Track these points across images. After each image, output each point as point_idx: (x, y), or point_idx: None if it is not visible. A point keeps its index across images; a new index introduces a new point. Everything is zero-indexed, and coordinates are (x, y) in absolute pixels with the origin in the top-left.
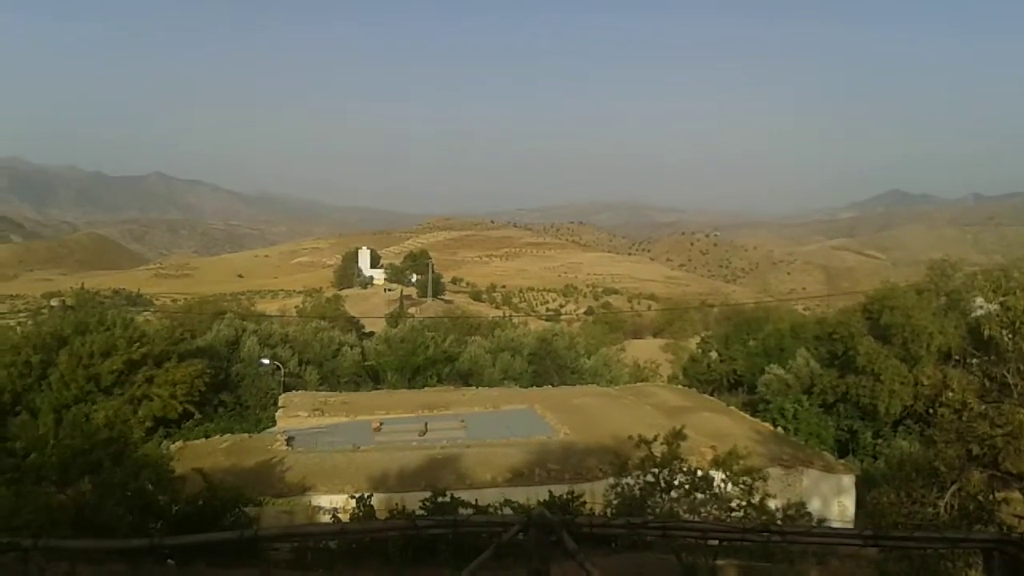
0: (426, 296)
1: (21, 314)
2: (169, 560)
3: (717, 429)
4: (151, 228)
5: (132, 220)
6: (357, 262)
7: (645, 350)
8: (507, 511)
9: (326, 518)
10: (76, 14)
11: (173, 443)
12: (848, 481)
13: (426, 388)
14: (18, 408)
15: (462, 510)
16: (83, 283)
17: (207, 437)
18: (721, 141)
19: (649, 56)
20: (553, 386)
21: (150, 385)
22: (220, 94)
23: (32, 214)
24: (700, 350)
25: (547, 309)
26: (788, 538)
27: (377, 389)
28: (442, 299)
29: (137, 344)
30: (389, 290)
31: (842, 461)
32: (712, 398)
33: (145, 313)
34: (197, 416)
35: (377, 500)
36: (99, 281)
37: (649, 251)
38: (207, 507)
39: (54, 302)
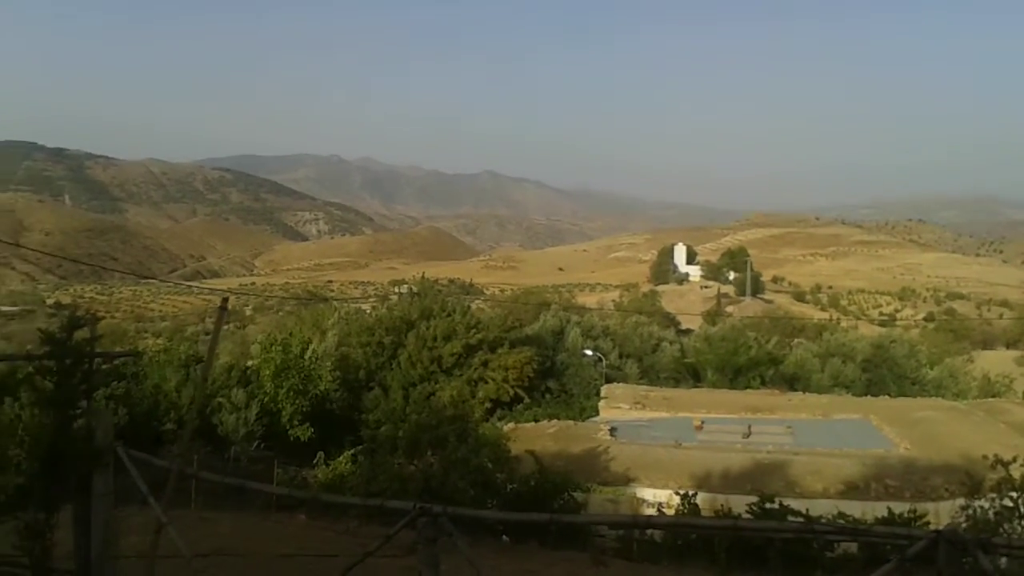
0: (744, 295)
1: (371, 299)
2: (504, 536)
3: None
4: (482, 223)
5: (466, 215)
6: (673, 258)
7: (996, 362)
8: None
9: (650, 511)
10: (395, 24)
11: (505, 425)
12: None
13: (748, 390)
14: (371, 384)
15: (791, 518)
16: (423, 272)
17: (536, 421)
18: None
19: None
20: (890, 397)
21: (485, 368)
22: (551, 96)
23: (381, 209)
24: None
25: (880, 313)
26: None
27: (697, 387)
28: (761, 298)
29: (474, 330)
30: (705, 287)
31: None
32: None
33: (477, 301)
34: (526, 400)
35: (701, 499)
36: (436, 270)
37: (1001, 252)
38: (539, 488)
39: (398, 289)
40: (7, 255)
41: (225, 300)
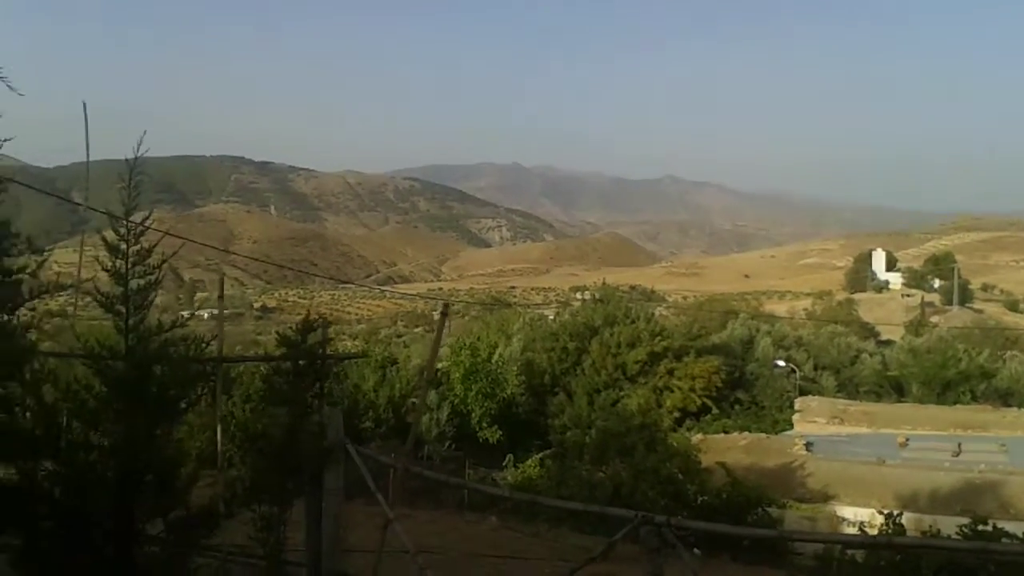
0: (951, 304)
1: (552, 305)
2: (696, 549)
3: None
4: (663, 228)
5: (646, 221)
6: (870, 265)
7: None
8: None
9: (851, 530)
10: (573, 30)
11: (693, 435)
12: None
13: (958, 405)
14: (556, 389)
15: (1004, 540)
16: (604, 279)
17: (725, 432)
18: None
19: None
20: None
21: (671, 377)
22: (732, 96)
23: (561, 215)
24: None
25: None
26: None
27: (900, 402)
28: (970, 307)
29: (658, 337)
30: (907, 296)
31: None
32: None
33: (659, 308)
34: (715, 411)
35: (906, 519)
36: (617, 277)
37: None
38: (731, 502)
39: (579, 295)
40: (219, 261)
41: (446, 306)
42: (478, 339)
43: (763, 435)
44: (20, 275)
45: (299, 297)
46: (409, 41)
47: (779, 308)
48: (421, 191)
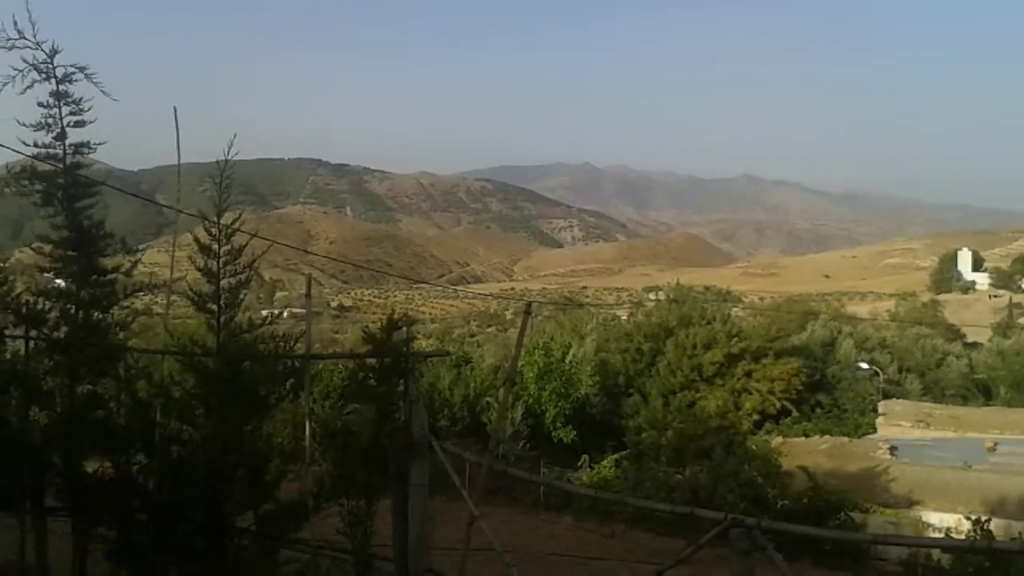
0: None
1: (625, 305)
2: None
3: None
4: (739, 228)
5: (721, 220)
6: (956, 265)
7: None
8: None
9: (937, 536)
10: (640, 30)
11: (773, 439)
12: None
13: None
14: (630, 390)
15: None
16: (678, 279)
17: (806, 436)
18: None
19: None
20: None
21: (749, 379)
22: (809, 93)
23: (633, 215)
24: None
25: None
26: None
27: (988, 405)
28: None
29: (736, 339)
30: (995, 296)
31: None
32: None
33: (735, 309)
34: (795, 414)
35: (994, 525)
36: (691, 277)
37: None
38: (812, 506)
39: (652, 296)
40: (297, 261)
41: (529, 305)
42: (551, 339)
43: (845, 439)
44: (115, 274)
45: (374, 297)
46: (481, 44)
47: (861, 309)
48: (493, 192)
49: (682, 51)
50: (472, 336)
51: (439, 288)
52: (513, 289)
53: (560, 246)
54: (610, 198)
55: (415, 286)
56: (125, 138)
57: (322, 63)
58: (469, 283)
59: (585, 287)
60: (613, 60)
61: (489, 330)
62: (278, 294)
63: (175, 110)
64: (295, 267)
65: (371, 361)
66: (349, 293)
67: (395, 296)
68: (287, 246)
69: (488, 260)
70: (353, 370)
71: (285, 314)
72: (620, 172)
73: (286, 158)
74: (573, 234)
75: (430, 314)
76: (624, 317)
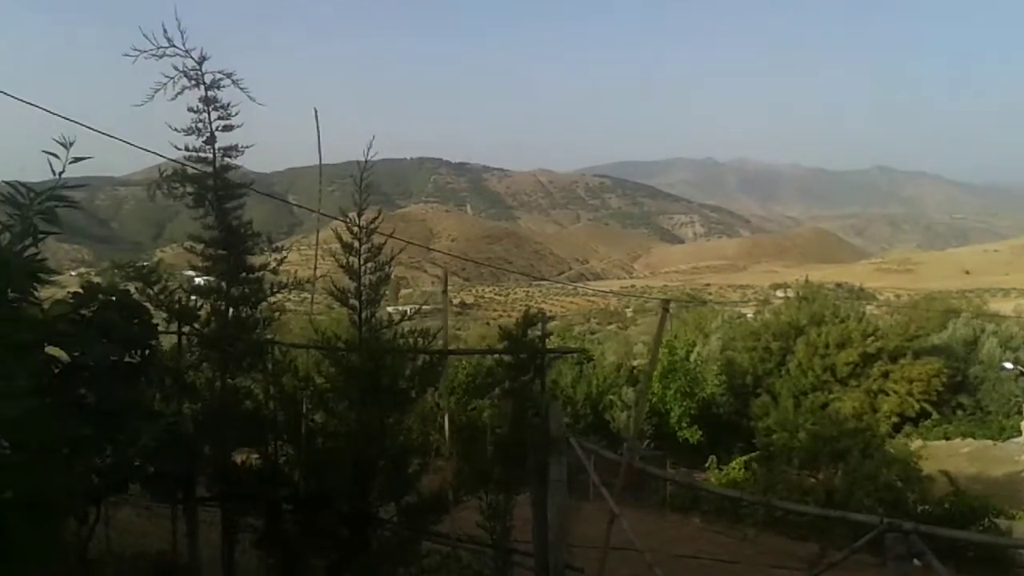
0: None
1: (751, 303)
2: (915, 561)
3: None
4: (872, 222)
5: (853, 214)
6: None
7: None
8: None
9: None
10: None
11: (912, 442)
12: None
13: None
14: (758, 390)
15: None
16: (807, 275)
17: (947, 439)
18: None
19: None
20: None
21: (885, 380)
22: (945, 79)
23: (757, 210)
24: None
25: None
26: None
27: None
28: None
29: (871, 338)
30: None
31: None
32: None
33: (869, 307)
34: (935, 416)
35: None
36: (821, 274)
37: None
38: (954, 511)
39: (780, 293)
40: (420, 259)
41: (667, 303)
42: (675, 337)
43: (989, 442)
44: (262, 272)
45: (495, 294)
46: (598, 41)
47: (1005, 306)
48: (612, 188)
49: (807, 41)
50: (592, 333)
51: (559, 285)
52: (633, 286)
53: (681, 242)
54: (733, 192)
55: (535, 283)
56: (259, 141)
57: (443, 63)
58: (588, 280)
59: (708, 284)
60: (733, 54)
61: (609, 327)
62: (403, 291)
63: (316, 112)
64: (418, 264)
65: (505, 357)
66: (470, 290)
67: (515, 293)
68: (414, 244)
69: (607, 257)
70: (490, 367)
71: (408, 311)
72: (743, 165)
73: (408, 158)
74: (694, 230)
75: (550, 311)
76: (750, 315)
